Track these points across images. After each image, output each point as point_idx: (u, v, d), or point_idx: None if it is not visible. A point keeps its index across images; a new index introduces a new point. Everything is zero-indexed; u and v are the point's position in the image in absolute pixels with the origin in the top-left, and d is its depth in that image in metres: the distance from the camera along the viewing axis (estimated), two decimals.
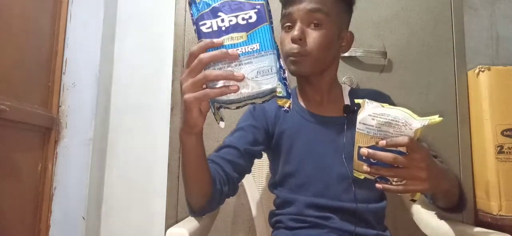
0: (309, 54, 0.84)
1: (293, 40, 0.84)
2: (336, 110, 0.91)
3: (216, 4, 0.60)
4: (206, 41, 0.58)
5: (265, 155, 0.98)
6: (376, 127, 0.64)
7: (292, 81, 1.01)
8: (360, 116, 0.66)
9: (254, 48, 0.58)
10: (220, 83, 0.57)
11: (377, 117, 0.64)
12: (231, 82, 0.57)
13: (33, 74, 1.26)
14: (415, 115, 0.65)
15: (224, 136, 0.92)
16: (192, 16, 0.62)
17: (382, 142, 0.62)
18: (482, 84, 1.27)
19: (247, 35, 0.58)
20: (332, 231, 0.82)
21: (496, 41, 1.57)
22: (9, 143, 1.10)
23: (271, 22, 0.60)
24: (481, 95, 1.27)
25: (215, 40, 0.58)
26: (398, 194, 0.72)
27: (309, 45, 0.84)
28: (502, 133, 1.23)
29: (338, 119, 0.89)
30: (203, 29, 0.60)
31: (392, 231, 0.90)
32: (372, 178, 0.66)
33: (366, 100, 0.66)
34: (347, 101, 0.93)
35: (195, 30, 0.61)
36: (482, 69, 1.27)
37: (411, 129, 0.63)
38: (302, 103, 0.94)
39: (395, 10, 1.39)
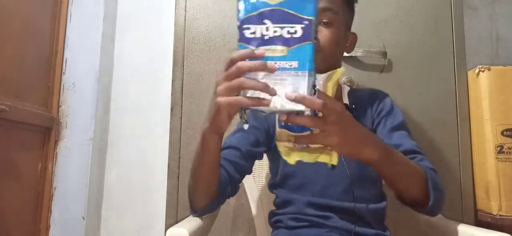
0: (321, 50, 0.84)
1: None
2: None
3: (264, 10, 0.58)
4: (247, 50, 0.58)
5: (265, 156, 0.98)
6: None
7: None
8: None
9: (292, 65, 0.56)
10: (250, 92, 0.57)
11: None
12: (263, 94, 0.56)
13: (33, 74, 1.26)
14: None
15: (226, 136, 0.91)
16: (238, 12, 0.60)
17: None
18: (482, 84, 1.27)
19: (288, 51, 0.57)
20: (332, 230, 0.83)
21: (496, 41, 1.57)
22: (9, 143, 1.10)
23: (315, 41, 0.58)
24: (481, 95, 1.27)
25: (256, 51, 0.57)
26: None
27: (320, 42, 0.85)
28: (502, 133, 1.23)
29: None
30: (247, 33, 0.58)
31: (392, 231, 0.90)
32: (292, 145, 0.65)
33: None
34: (346, 101, 0.93)
35: (238, 26, 0.60)
36: (482, 69, 1.27)
37: (320, 87, 0.62)
38: None
39: (395, 10, 1.39)
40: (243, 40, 0.59)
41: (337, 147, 0.61)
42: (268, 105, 0.56)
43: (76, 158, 1.35)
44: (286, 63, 0.56)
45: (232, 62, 0.59)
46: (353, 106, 0.91)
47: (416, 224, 0.97)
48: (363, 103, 0.94)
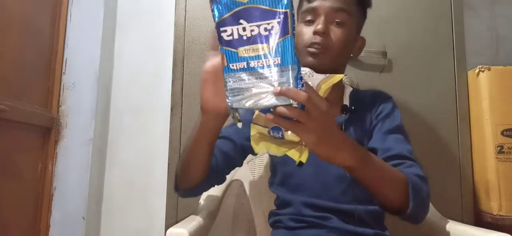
0: (331, 48, 0.85)
1: (318, 33, 0.85)
2: (335, 111, 0.92)
3: (237, 9, 0.57)
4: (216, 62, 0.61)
5: (265, 155, 0.98)
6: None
7: None
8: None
9: (275, 62, 0.56)
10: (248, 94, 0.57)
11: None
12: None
13: (33, 74, 1.26)
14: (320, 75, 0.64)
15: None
16: (213, 15, 0.60)
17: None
18: (482, 84, 1.27)
19: (269, 48, 0.56)
20: (331, 231, 0.83)
21: (496, 41, 1.57)
22: (9, 143, 1.10)
23: (293, 33, 0.57)
24: (481, 95, 1.27)
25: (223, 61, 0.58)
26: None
27: (332, 40, 0.85)
28: (502, 133, 1.23)
29: (336, 119, 0.90)
30: (224, 36, 0.58)
31: (391, 231, 0.90)
32: (266, 129, 0.64)
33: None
34: (346, 102, 0.93)
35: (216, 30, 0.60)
36: (482, 69, 1.27)
37: (313, 84, 0.61)
38: None
39: (395, 10, 1.39)
40: (223, 43, 0.58)
41: (312, 145, 0.59)
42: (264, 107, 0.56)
43: (76, 158, 1.35)
44: (269, 61, 0.56)
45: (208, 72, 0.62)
46: (353, 107, 0.91)
47: (416, 224, 0.96)
48: (364, 105, 0.93)
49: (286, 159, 0.89)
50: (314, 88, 0.60)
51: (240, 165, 0.93)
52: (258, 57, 0.56)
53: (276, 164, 0.93)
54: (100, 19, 1.42)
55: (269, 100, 0.56)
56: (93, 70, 1.40)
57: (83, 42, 1.40)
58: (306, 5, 0.90)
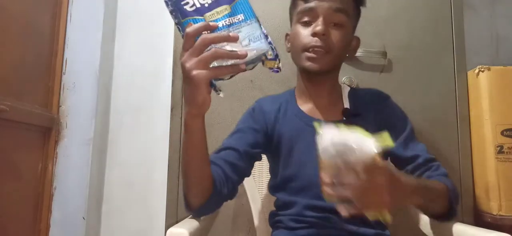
0: (331, 51, 0.84)
1: (317, 34, 0.83)
2: (336, 114, 0.91)
3: None
4: (201, 24, 0.61)
5: (264, 156, 0.98)
6: (336, 155, 0.62)
7: (292, 83, 1.01)
8: (320, 146, 0.64)
9: (239, 18, 0.62)
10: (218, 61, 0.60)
11: (336, 145, 0.62)
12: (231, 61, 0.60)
13: (33, 74, 1.26)
14: (369, 135, 0.63)
15: (224, 137, 0.91)
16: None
17: (341, 165, 0.59)
18: (482, 84, 1.27)
19: (231, 7, 0.62)
20: (332, 231, 0.83)
21: (496, 41, 1.57)
22: (9, 143, 1.10)
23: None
24: (481, 95, 1.27)
25: (211, 23, 0.61)
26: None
27: (332, 42, 0.84)
28: (502, 133, 1.23)
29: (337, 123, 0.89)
30: (187, 8, 0.63)
31: (392, 231, 0.90)
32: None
33: (320, 124, 0.65)
34: (346, 103, 0.92)
35: (171, 12, 0.65)
36: (482, 69, 1.27)
37: (369, 155, 0.61)
38: (301, 107, 0.93)
39: (395, 10, 1.39)
40: (187, 15, 0.63)
41: (386, 204, 0.61)
42: (244, 70, 0.61)
43: (76, 158, 1.35)
44: (234, 18, 0.62)
45: (189, 37, 0.60)
46: (353, 110, 0.90)
47: (416, 224, 0.97)
48: (365, 105, 0.92)
49: (286, 163, 0.90)
50: (369, 158, 0.60)
51: (249, 174, 0.89)
52: (224, 17, 0.62)
53: (276, 167, 0.93)
54: (100, 19, 1.42)
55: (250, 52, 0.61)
56: (93, 70, 1.40)
57: (83, 42, 1.40)
58: (302, 5, 0.87)
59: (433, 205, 0.77)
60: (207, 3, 0.62)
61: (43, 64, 1.31)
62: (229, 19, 0.61)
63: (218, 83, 0.66)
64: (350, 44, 0.92)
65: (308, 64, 0.85)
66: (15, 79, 1.14)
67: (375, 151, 0.60)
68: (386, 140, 0.61)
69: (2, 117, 1.01)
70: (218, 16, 0.62)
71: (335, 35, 0.84)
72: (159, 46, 1.53)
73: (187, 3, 0.62)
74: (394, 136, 0.88)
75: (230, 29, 0.61)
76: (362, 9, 0.96)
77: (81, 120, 1.37)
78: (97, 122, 1.40)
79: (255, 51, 0.61)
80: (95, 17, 1.42)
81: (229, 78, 0.65)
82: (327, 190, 0.64)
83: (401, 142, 0.87)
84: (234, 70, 0.61)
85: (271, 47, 0.64)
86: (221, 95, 0.65)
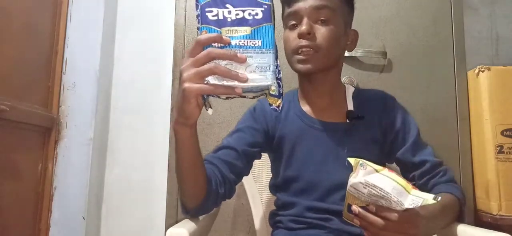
0: (319, 48, 0.82)
1: (302, 35, 0.82)
2: (339, 115, 0.89)
3: None
4: (215, 34, 0.59)
5: (265, 156, 0.98)
6: (367, 195, 0.64)
7: (293, 83, 1.01)
8: (352, 180, 0.65)
9: (256, 43, 0.59)
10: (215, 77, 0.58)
11: (368, 187, 0.63)
12: (231, 82, 0.57)
13: (33, 74, 1.26)
14: (409, 188, 0.64)
15: (223, 136, 0.91)
16: (197, 1, 0.61)
17: (372, 208, 0.64)
18: (482, 84, 1.27)
19: (251, 30, 0.59)
20: (332, 232, 0.82)
21: (496, 41, 1.57)
22: (9, 143, 1.10)
23: (274, 24, 0.61)
24: (481, 95, 1.27)
25: (224, 37, 0.59)
26: None
27: (319, 40, 0.82)
28: (502, 133, 1.23)
29: (340, 125, 0.88)
30: (209, 15, 0.60)
31: None
32: None
33: (360, 162, 0.65)
34: (350, 105, 0.90)
35: (197, 16, 0.61)
36: (482, 69, 1.27)
37: (402, 208, 0.63)
38: (303, 108, 0.93)
39: (395, 10, 1.39)
40: (205, 22, 0.60)
41: None
42: (240, 94, 0.58)
43: (76, 158, 1.35)
44: (250, 42, 0.59)
45: (199, 44, 0.59)
46: (358, 112, 0.89)
47: None
48: (369, 107, 0.90)
49: (288, 163, 0.89)
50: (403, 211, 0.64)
51: (247, 173, 0.89)
52: (241, 37, 0.59)
53: (278, 167, 0.93)
54: (100, 19, 1.42)
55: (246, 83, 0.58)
56: (93, 70, 1.40)
57: (83, 42, 1.40)
58: (287, 10, 0.87)
59: (449, 222, 0.80)
60: (230, 18, 0.59)
61: (43, 64, 1.31)
62: (245, 41, 0.59)
63: (211, 99, 0.63)
64: (345, 38, 0.89)
65: (299, 66, 0.84)
66: (15, 79, 1.14)
67: (411, 206, 0.62)
68: (427, 201, 0.62)
69: (2, 117, 1.01)
70: (235, 34, 0.59)
71: (321, 32, 0.83)
72: (159, 46, 1.53)
73: (211, 11, 0.60)
74: (400, 140, 0.89)
75: (241, 50, 0.58)
76: (363, 9, 0.95)
77: (81, 120, 1.37)
78: (97, 122, 1.40)
79: (257, 82, 0.58)
80: (95, 17, 1.42)
81: (226, 99, 0.62)
82: (349, 215, 0.68)
83: (409, 147, 0.87)
84: (230, 92, 0.58)
85: (278, 83, 0.61)
86: (209, 112, 0.63)
